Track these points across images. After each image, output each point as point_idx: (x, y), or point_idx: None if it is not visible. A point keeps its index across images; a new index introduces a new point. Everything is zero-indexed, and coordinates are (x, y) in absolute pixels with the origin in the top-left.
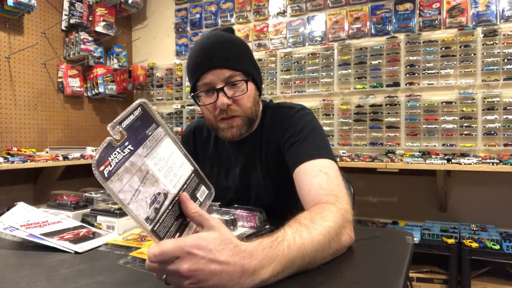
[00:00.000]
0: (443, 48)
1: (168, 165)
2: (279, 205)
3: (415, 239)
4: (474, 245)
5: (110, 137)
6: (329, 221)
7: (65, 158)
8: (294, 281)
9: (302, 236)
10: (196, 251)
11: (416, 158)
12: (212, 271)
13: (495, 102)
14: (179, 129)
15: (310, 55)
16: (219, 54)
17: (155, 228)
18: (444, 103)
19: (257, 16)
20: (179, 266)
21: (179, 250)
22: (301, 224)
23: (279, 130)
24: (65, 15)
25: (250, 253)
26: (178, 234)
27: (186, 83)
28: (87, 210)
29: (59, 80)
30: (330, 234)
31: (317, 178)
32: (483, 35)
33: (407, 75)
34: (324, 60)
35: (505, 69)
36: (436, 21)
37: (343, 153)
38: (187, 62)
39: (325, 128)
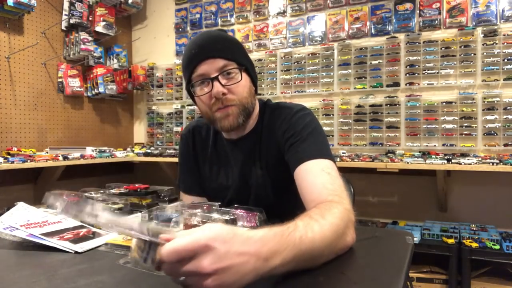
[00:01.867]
0: (443, 48)
1: None
2: (278, 205)
3: (415, 239)
4: (474, 245)
5: None
6: (337, 218)
7: (65, 158)
8: (294, 281)
9: (313, 230)
10: (213, 244)
11: (416, 158)
12: (232, 263)
13: (495, 102)
14: (179, 129)
15: (310, 55)
16: (213, 46)
17: None
18: (444, 103)
19: (257, 16)
20: (199, 264)
21: (196, 245)
22: (312, 218)
23: (279, 130)
24: (65, 15)
25: (260, 239)
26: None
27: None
28: None
29: (59, 80)
30: (338, 233)
31: (320, 177)
32: (483, 35)
33: (407, 75)
34: (324, 60)
35: (505, 69)
36: (436, 21)
37: (343, 153)
38: (182, 59)
39: (325, 128)
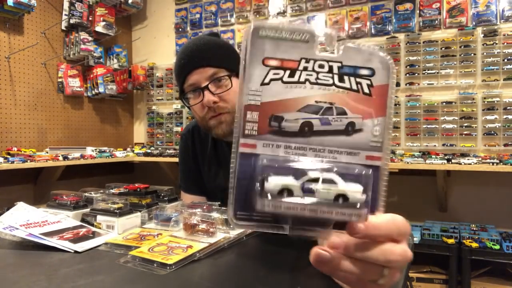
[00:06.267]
0: (443, 48)
1: None
2: None
3: (415, 239)
4: (474, 245)
5: None
6: None
7: (65, 158)
8: (294, 280)
9: None
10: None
11: (416, 158)
12: None
13: (495, 102)
14: (179, 129)
15: None
16: (201, 54)
17: None
18: (444, 103)
19: (257, 16)
20: (406, 249)
21: (406, 228)
22: None
23: None
24: (65, 15)
25: None
26: None
27: None
28: (87, 210)
29: (59, 80)
30: None
31: None
32: (483, 35)
33: (407, 75)
34: None
35: (505, 69)
36: (436, 21)
37: None
38: (173, 68)
39: None
